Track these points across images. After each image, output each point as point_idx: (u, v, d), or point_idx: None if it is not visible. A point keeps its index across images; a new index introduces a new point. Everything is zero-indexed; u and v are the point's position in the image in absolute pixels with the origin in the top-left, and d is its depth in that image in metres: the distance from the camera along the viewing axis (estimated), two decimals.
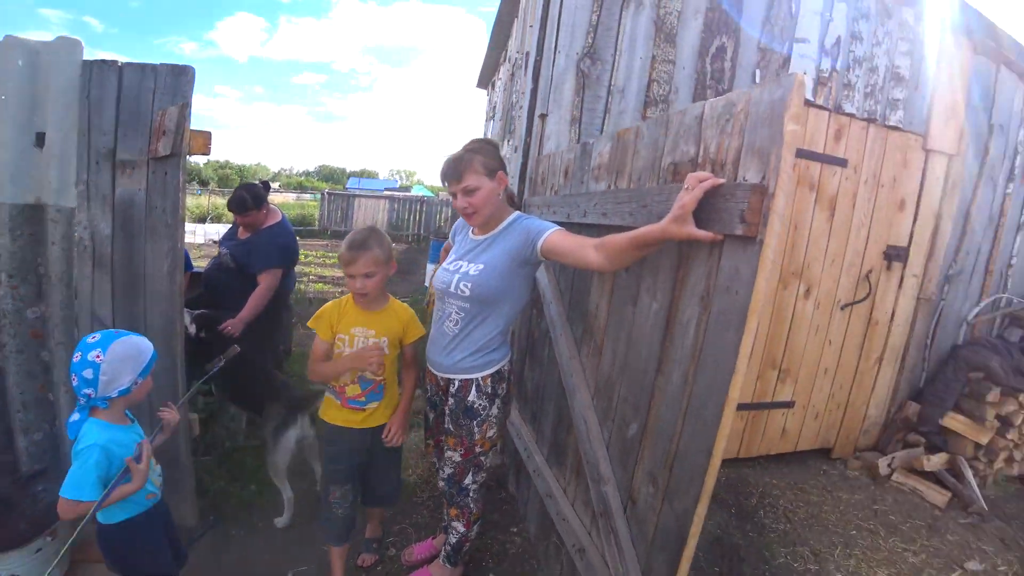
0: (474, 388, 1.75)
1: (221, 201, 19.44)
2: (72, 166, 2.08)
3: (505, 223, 1.74)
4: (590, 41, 2.59)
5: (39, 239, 2.14)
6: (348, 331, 1.81)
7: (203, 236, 12.15)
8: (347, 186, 31.77)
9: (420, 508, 2.55)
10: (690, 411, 1.24)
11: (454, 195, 1.72)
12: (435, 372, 1.87)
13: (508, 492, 2.68)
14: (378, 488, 2.06)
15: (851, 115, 2.82)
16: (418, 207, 16.37)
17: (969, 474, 3.03)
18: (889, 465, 3.12)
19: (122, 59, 2.11)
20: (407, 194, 19.76)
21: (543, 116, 2.62)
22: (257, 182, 3.18)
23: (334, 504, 1.88)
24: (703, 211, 1.20)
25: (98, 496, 1.36)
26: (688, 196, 1.19)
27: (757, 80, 2.86)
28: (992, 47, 3.15)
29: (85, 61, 2.05)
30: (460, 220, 1.91)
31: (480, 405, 1.75)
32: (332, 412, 1.88)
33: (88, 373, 1.41)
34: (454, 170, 1.69)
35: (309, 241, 13.42)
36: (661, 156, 1.46)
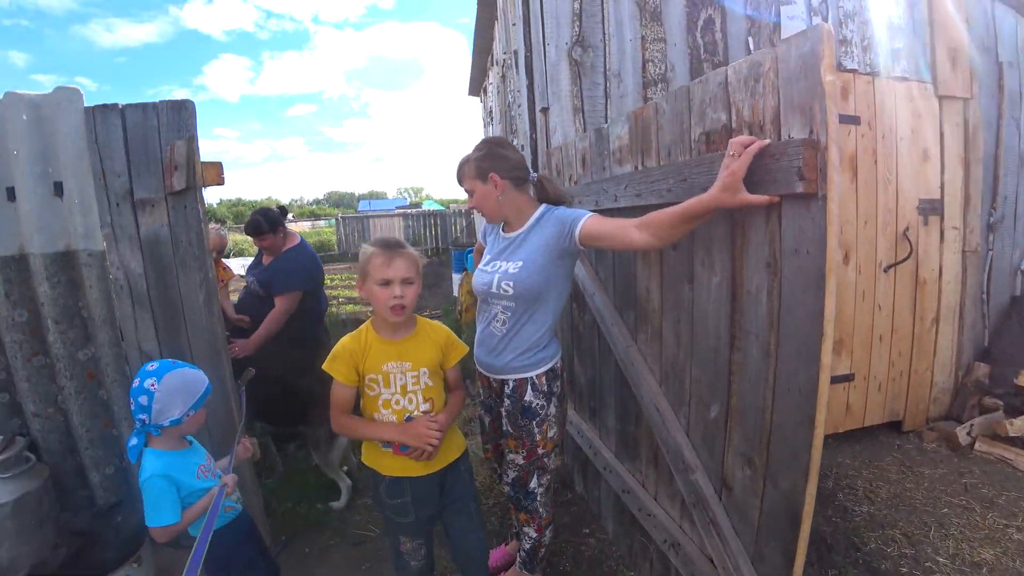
0: (529, 387, 1.71)
1: (240, 237, 20.04)
2: (94, 210, 2.13)
3: (534, 217, 1.72)
4: (577, 29, 2.60)
5: (77, 283, 2.18)
6: (379, 369, 1.52)
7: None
8: (359, 209, 32.14)
9: (487, 515, 2.48)
10: (779, 384, 1.18)
11: None
12: (487, 374, 1.83)
13: (575, 492, 2.60)
14: (459, 546, 1.76)
15: (854, 71, 2.78)
16: (433, 221, 16.66)
17: None
18: (969, 434, 2.94)
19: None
20: (420, 210, 19.71)
21: (544, 110, 2.63)
22: (273, 207, 3.20)
23: (405, 555, 1.66)
24: (751, 175, 1.17)
25: (179, 516, 1.45)
26: (737, 163, 1.17)
27: (751, 49, 2.85)
28: None
29: (87, 108, 2.09)
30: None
31: (538, 404, 1.71)
32: (385, 461, 1.57)
33: (143, 400, 1.45)
34: (457, 174, 1.81)
35: (330, 265, 13.70)
36: (689, 128, 1.45)
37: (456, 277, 6.48)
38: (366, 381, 1.54)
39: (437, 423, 1.52)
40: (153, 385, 1.46)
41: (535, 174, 1.80)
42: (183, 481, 1.47)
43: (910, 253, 2.89)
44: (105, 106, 2.08)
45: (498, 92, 5.73)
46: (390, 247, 1.49)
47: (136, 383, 1.47)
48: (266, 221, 3.04)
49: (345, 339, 1.57)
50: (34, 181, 2.09)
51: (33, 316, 2.18)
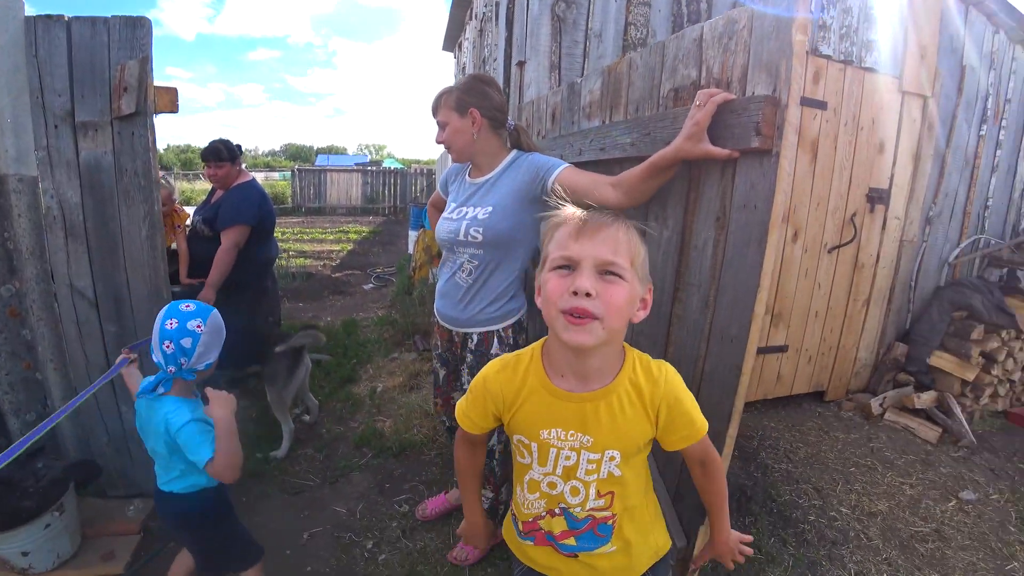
0: (496, 340, 1.68)
1: (188, 185, 19.15)
2: (28, 131, 1.95)
3: (506, 161, 1.67)
4: None
5: (3, 212, 2.01)
6: (534, 434, 0.93)
7: None
8: (316, 163, 31.01)
9: (429, 466, 2.55)
10: (714, 332, 1.24)
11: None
12: (449, 327, 1.78)
13: None
14: None
15: (828, 57, 2.83)
16: (392, 179, 16.45)
17: (958, 410, 3.13)
18: (881, 405, 3.22)
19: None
20: (380, 167, 19.14)
21: (521, 64, 2.58)
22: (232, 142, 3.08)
23: None
24: (714, 130, 1.20)
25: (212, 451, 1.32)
26: (701, 112, 1.19)
27: None
28: None
29: (28, 17, 1.90)
30: (453, 166, 1.86)
31: None
32: (527, 549, 1.04)
33: (187, 342, 1.36)
34: (434, 103, 1.70)
35: (283, 219, 13.53)
36: (659, 84, 1.45)
37: (412, 234, 6.47)
38: (514, 440, 0.97)
39: None
40: (199, 327, 1.37)
41: (513, 122, 1.74)
42: (209, 424, 1.40)
43: (853, 237, 3.05)
44: (49, 17, 1.89)
45: (474, 47, 5.53)
46: (591, 211, 0.88)
47: (174, 324, 1.35)
48: (226, 149, 2.94)
49: (493, 363, 0.99)
50: None
51: None
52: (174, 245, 3.25)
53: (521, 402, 0.93)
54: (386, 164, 25.25)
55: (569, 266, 0.83)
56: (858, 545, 2.16)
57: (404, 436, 2.73)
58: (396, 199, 16.21)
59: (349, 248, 9.43)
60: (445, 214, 1.76)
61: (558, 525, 0.96)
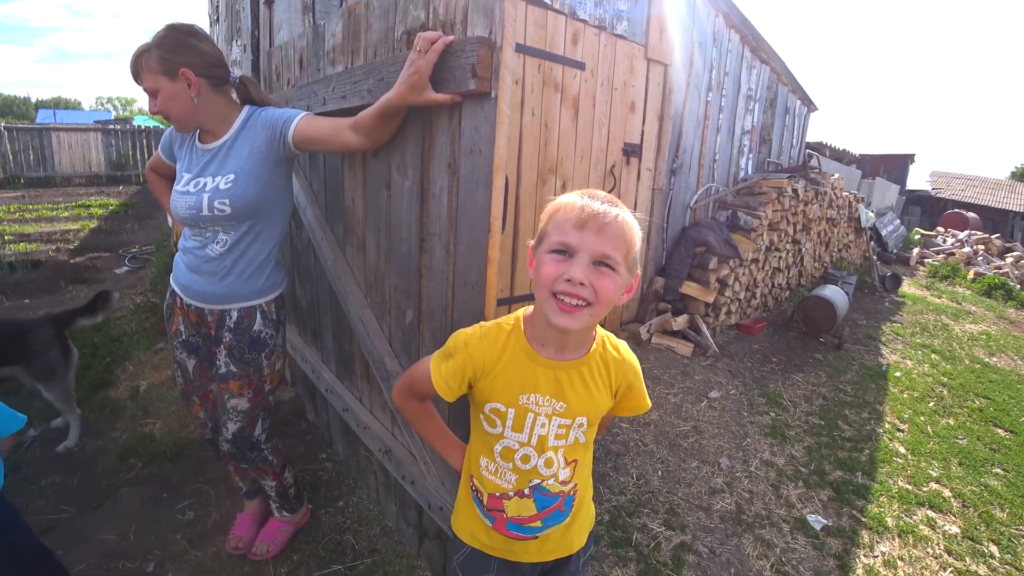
0: (259, 316, 1.50)
1: None
2: None
3: (239, 121, 1.46)
4: None
5: None
6: (512, 400, 0.94)
7: None
8: (37, 120, 23.89)
9: (213, 462, 2.24)
10: (457, 280, 1.24)
11: None
12: (201, 305, 1.52)
13: (308, 422, 2.53)
14: None
15: (584, 21, 3.07)
16: (145, 140, 13.33)
17: (704, 328, 3.85)
18: (648, 331, 3.77)
19: None
20: (128, 125, 15.26)
21: (269, 3, 2.26)
22: None
23: None
24: (440, 73, 1.16)
25: None
26: (423, 59, 1.15)
27: None
28: None
29: None
30: (171, 128, 1.57)
31: (267, 334, 1.52)
32: (478, 531, 1.04)
33: None
34: (132, 68, 1.41)
35: None
36: (393, 26, 1.38)
37: None
38: (485, 410, 0.96)
39: None
40: None
41: (237, 75, 1.50)
42: None
43: (614, 187, 3.43)
44: None
45: None
46: (597, 199, 0.86)
47: None
48: None
49: (474, 331, 0.97)
50: None
51: None
52: None
53: (501, 368, 0.94)
54: (137, 122, 20.46)
55: (566, 252, 0.84)
56: (638, 452, 2.52)
57: (180, 435, 2.36)
58: None
59: (92, 226, 7.62)
60: (179, 187, 1.49)
61: (527, 509, 0.98)
